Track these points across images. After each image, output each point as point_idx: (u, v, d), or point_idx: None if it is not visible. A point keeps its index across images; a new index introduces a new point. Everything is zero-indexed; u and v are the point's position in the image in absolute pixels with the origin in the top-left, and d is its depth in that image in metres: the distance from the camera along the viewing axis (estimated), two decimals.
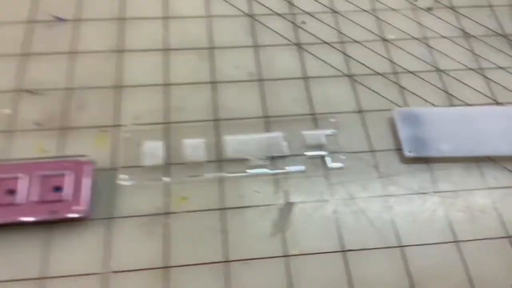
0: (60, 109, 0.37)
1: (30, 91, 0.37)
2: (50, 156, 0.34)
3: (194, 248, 0.31)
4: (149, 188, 0.33)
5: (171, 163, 0.34)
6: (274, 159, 0.35)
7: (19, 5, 0.43)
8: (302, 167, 0.35)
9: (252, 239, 0.32)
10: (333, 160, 0.35)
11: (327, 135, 0.36)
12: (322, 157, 0.35)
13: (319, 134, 0.36)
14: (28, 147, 0.35)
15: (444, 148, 0.36)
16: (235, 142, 0.35)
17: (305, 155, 0.35)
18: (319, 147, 0.36)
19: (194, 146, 0.35)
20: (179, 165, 0.34)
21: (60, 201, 0.32)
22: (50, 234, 0.31)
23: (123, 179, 0.34)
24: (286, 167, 0.35)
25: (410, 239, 0.32)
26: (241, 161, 0.35)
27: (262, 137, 0.36)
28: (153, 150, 0.35)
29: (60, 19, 0.42)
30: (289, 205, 0.33)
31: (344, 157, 0.35)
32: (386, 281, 0.31)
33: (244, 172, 0.34)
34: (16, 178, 0.32)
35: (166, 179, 0.34)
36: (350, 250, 0.32)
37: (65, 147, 0.35)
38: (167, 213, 0.32)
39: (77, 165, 0.33)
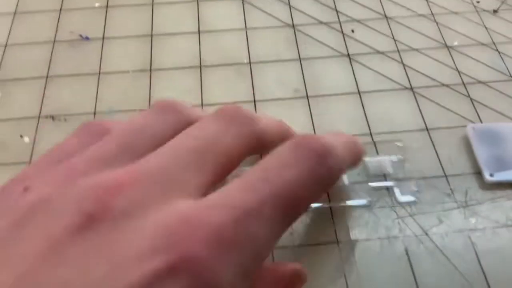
0: None
1: (52, 117, 0.34)
2: None
3: None
4: None
5: None
6: (331, 191, 0.30)
7: (44, 24, 0.39)
8: (364, 201, 0.29)
9: (309, 286, 0.27)
10: (403, 192, 0.30)
11: (393, 162, 0.30)
12: (388, 188, 0.30)
13: (384, 160, 0.30)
14: None
15: None
16: None
17: (368, 185, 0.30)
18: (384, 176, 0.30)
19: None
20: None
21: None
22: None
23: None
24: (347, 201, 0.29)
25: (501, 282, 0.26)
26: None
27: None
28: None
29: (86, 38, 0.39)
30: (350, 243, 0.28)
31: (416, 189, 0.30)
32: None
33: None
34: None
35: None
36: None
37: None
38: None
39: None
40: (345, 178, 0.29)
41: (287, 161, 0.18)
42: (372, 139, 0.32)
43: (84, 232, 0.15)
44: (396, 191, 0.30)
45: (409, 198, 0.29)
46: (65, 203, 0.16)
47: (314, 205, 0.29)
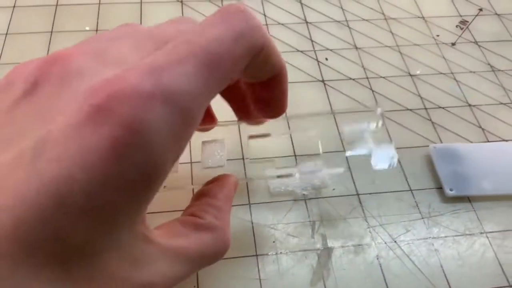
0: None
1: None
2: None
3: None
4: None
5: None
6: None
7: (35, 45, 0.41)
8: (341, 169, 0.34)
9: None
10: (379, 160, 0.31)
11: (372, 131, 0.31)
12: (360, 200, 0.33)
13: (362, 128, 0.32)
14: None
15: (487, 186, 0.34)
16: (277, 181, 0.34)
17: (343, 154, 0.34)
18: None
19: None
20: None
21: None
22: None
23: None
24: (325, 169, 0.32)
25: (462, 285, 0.30)
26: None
27: (302, 168, 0.34)
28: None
29: None
30: (327, 250, 0.31)
31: (392, 156, 0.31)
32: None
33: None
34: None
35: None
36: None
37: None
38: None
39: None
40: (320, 147, 0.32)
41: (211, 22, 0.18)
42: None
43: (29, 97, 0.17)
44: (372, 160, 0.31)
45: (384, 165, 0.31)
46: (20, 76, 0.18)
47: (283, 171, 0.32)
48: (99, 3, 0.45)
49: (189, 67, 0.16)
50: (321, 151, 0.32)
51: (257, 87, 0.23)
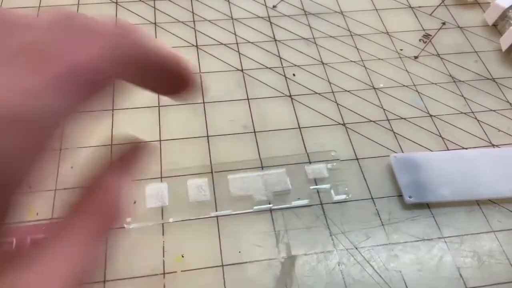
0: (50, 170, 0.36)
1: None
2: (42, 218, 0.33)
3: None
4: (146, 246, 0.32)
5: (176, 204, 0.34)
6: (277, 196, 0.35)
7: None
8: (306, 201, 0.35)
9: None
10: (336, 193, 0.35)
11: (328, 169, 0.36)
12: (325, 191, 0.36)
13: (321, 167, 0.36)
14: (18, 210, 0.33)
15: (445, 192, 0.35)
16: (239, 181, 0.35)
17: (308, 189, 0.35)
18: (322, 181, 0.36)
19: (198, 185, 0.34)
20: (184, 205, 0.34)
21: None
22: None
23: (128, 222, 0.32)
24: (292, 202, 0.34)
25: None
26: (246, 199, 0.35)
27: (266, 174, 0.36)
28: (156, 192, 0.34)
29: None
30: (291, 259, 0.32)
31: (347, 188, 0.35)
32: None
33: (250, 209, 0.34)
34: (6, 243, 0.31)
35: (171, 219, 0.34)
36: None
37: (56, 209, 0.34)
38: (163, 274, 0.31)
39: None
40: (289, 183, 0.35)
41: (69, 32, 0.16)
42: (307, 153, 0.37)
43: None
44: (332, 192, 0.35)
45: (342, 197, 0.35)
46: None
47: (258, 206, 0.34)
48: None
49: (42, 82, 0.15)
50: (290, 186, 0.35)
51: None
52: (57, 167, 0.35)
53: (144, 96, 0.41)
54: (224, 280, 0.31)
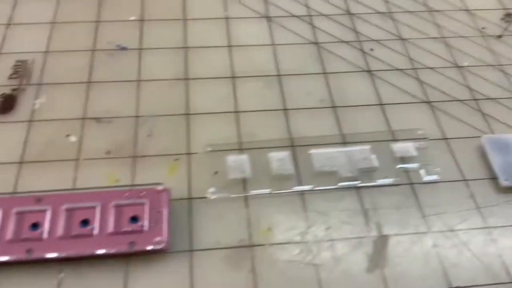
0: (129, 137, 0.35)
1: (97, 119, 0.36)
2: (123, 184, 0.32)
3: (283, 284, 0.28)
4: (230, 217, 0.31)
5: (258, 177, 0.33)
6: (363, 173, 0.33)
7: (81, 34, 0.42)
8: (394, 180, 0.33)
9: (347, 275, 0.29)
10: (427, 173, 0.33)
11: (416, 148, 0.34)
12: (414, 171, 0.34)
13: (408, 146, 0.34)
14: (98, 176, 0.33)
15: None
16: (322, 156, 0.33)
17: (395, 167, 0.33)
18: (409, 160, 0.34)
19: (280, 159, 0.33)
20: (266, 178, 0.33)
21: (138, 232, 0.29)
22: (129, 268, 0.28)
23: (212, 192, 0.31)
24: (377, 180, 0.32)
25: None
26: (330, 175, 0.33)
27: (350, 150, 0.34)
28: (238, 163, 0.33)
29: (123, 48, 0.41)
30: (383, 238, 0.30)
31: (438, 169, 0.33)
32: None
33: (335, 185, 0.33)
34: (90, 208, 0.30)
35: (254, 191, 0.32)
36: (459, 287, 0.28)
37: (136, 176, 0.33)
38: (251, 246, 0.30)
39: (153, 194, 0.31)
40: (375, 160, 0.33)
41: None
42: (391, 130, 0.36)
43: None
44: (421, 172, 0.33)
45: (433, 177, 0.33)
46: None
47: (344, 183, 0.32)
48: None
49: None
50: (376, 163, 0.34)
51: None
52: (135, 136, 0.34)
53: (218, 67, 0.39)
54: (314, 255, 0.29)
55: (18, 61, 0.39)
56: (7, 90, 0.37)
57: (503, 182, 0.33)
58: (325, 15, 0.45)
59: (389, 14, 0.45)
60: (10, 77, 0.38)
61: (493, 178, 0.34)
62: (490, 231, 0.31)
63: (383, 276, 0.29)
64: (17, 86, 0.38)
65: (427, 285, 0.29)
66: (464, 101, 0.39)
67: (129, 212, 0.30)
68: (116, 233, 0.29)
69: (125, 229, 0.29)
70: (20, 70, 0.39)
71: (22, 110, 0.36)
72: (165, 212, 0.30)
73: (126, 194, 0.31)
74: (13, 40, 0.41)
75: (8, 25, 0.42)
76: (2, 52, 0.40)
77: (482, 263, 0.30)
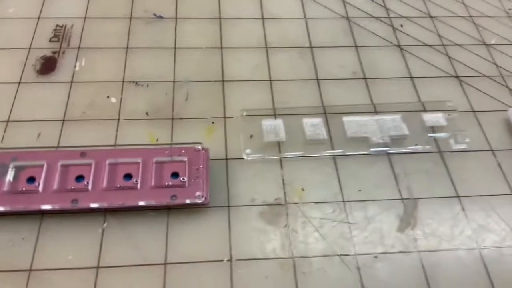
0: (166, 100, 0.36)
1: (135, 82, 0.37)
2: (163, 143, 0.33)
3: (317, 239, 0.30)
4: (265, 177, 0.32)
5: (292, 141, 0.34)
6: (394, 140, 0.34)
7: (119, 2, 0.43)
8: (424, 147, 0.34)
9: (378, 233, 0.30)
10: (456, 142, 0.34)
11: (446, 118, 0.35)
12: (444, 140, 0.35)
13: (438, 116, 0.36)
14: (139, 135, 0.34)
15: None
16: (355, 123, 0.35)
17: (426, 135, 0.35)
18: (439, 129, 0.35)
19: (314, 124, 0.34)
20: (300, 142, 0.34)
21: (179, 186, 0.30)
22: (170, 220, 0.30)
23: (248, 154, 0.33)
24: (409, 147, 0.34)
25: None
26: (362, 141, 0.34)
27: (381, 118, 0.35)
28: (273, 127, 0.34)
29: (159, 17, 0.42)
30: (413, 201, 0.32)
31: (468, 140, 0.34)
32: None
33: (367, 150, 0.34)
34: (133, 164, 0.31)
35: (287, 154, 0.33)
36: (486, 248, 0.30)
37: (175, 137, 0.34)
38: (285, 204, 0.31)
39: (193, 152, 0.32)
40: (405, 128, 0.34)
41: None
42: (421, 102, 0.37)
43: None
44: (451, 141, 0.35)
45: (461, 146, 0.34)
46: None
47: (375, 149, 0.33)
48: None
49: None
50: (406, 131, 0.35)
51: None
52: (172, 99, 0.36)
53: (252, 37, 0.40)
54: (347, 214, 0.31)
55: (58, 25, 0.41)
56: (48, 53, 0.39)
57: None
58: None
59: None
60: (50, 40, 0.39)
61: None
62: None
63: (413, 235, 0.30)
64: (58, 49, 0.39)
65: (456, 244, 0.30)
66: (491, 77, 0.40)
67: (170, 169, 0.31)
68: (158, 186, 0.30)
69: (167, 183, 0.30)
70: (60, 34, 0.40)
71: (63, 71, 0.37)
72: (204, 169, 0.31)
73: (167, 151, 0.32)
74: (52, 5, 0.42)
75: None
76: (42, 17, 0.41)
77: (508, 226, 0.31)
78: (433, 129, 0.35)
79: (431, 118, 0.36)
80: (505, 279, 0.28)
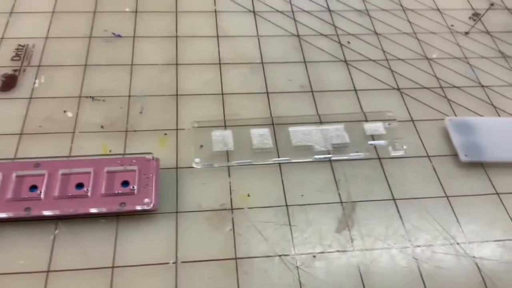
0: (121, 114, 0.38)
1: (92, 98, 0.39)
2: (115, 153, 0.35)
3: (260, 241, 0.31)
4: (213, 185, 0.34)
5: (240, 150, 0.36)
6: (336, 148, 0.36)
7: (80, 23, 0.45)
8: (362, 155, 0.36)
9: (318, 235, 0.32)
10: (394, 149, 0.37)
11: (385, 127, 0.38)
12: (383, 147, 0.37)
13: (378, 125, 0.38)
14: (93, 147, 0.35)
15: (499, 154, 0.36)
16: (300, 133, 0.37)
17: (366, 143, 0.37)
18: (379, 138, 0.37)
19: (261, 134, 0.36)
20: (248, 151, 0.36)
21: (128, 194, 0.32)
22: (119, 226, 0.31)
23: (197, 162, 0.34)
24: (349, 154, 0.36)
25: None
26: (306, 149, 0.36)
27: (325, 128, 0.37)
28: (222, 138, 0.36)
29: (118, 36, 0.44)
30: (352, 204, 0.33)
31: (406, 147, 0.36)
32: None
33: (311, 158, 0.36)
34: (85, 173, 0.33)
35: (235, 162, 0.35)
36: (418, 246, 0.32)
37: (128, 148, 0.36)
38: (231, 209, 0.33)
39: (143, 162, 0.34)
40: (347, 137, 0.37)
41: None
42: (363, 112, 0.39)
43: None
44: (389, 148, 0.37)
45: (399, 152, 0.37)
46: None
47: (318, 156, 0.35)
48: None
49: None
50: (348, 139, 0.37)
51: None
52: (127, 113, 0.37)
53: (206, 54, 0.43)
54: (289, 217, 0.32)
55: (19, 45, 0.42)
56: (9, 71, 0.40)
57: (463, 157, 0.36)
58: (307, 11, 0.49)
59: (365, 11, 0.49)
60: (12, 59, 0.41)
61: (454, 155, 0.37)
62: (449, 200, 0.34)
63: (350, 235, 0.32)
64: (18, 68, 0.41)
65: (390, 243, 0.32)
66: (431, 88, 0.42)
67: (121, 177, 0.33)
68: (108, 194, 0.32)
69: (117, 191, 0.32)
70: (21, 53, 0.42)
71: (23, 88, 0.39)
72: (153, 177, 0.33)
73: (118, 161, 0.34)
74: (15, 26, 0.44)
75: (11, 13, 0.45)
76: (5, 37, 0.43)
77: (440, 225, 0.33)
78: (373, 137, 0.37)
79: (371, 127, 0.38)
80: (435, 276, 0.30)
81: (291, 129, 0.37)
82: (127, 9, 0.47)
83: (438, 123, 0.39)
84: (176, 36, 0.45)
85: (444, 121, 0.39)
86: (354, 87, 0.42)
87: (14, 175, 0.32)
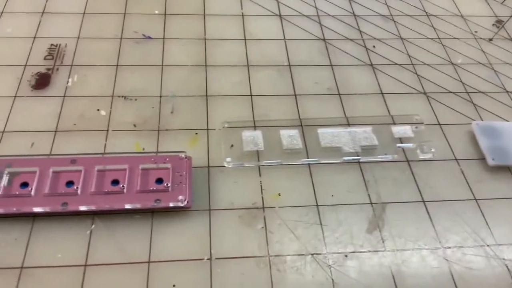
0: (153, 113, 0.39)
1: (124, 97, 0.39)
2: (149, 151, 0.36)
3: (291, 239, 0.32)
4: (244, 184, 0.34)
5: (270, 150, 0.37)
6: (365, 150, 0.37)
7: (110, 24, 0.46)
8: (390, 157, 0.37)
9: (348, 235, 0.32)
10: (422, 152, 0.37)
11: (413, 130, 0.38)
12: (411, 150, 0.38)
13: (406, 128, 0.39)
14: (126, 145, 0.36)
15: None
16: (328, 135, 0.37)
17: (394, 145, 0.37)
18: (407, 140, 0.38)
19: (290, 135, 0.37)
20: (278, 152, 0.36)
21: (163, 191, 0.32)
22: (154, 222, 0.32)
23: (228, 162, 0.35)
24: (378, 156, 0.36)
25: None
26: (335, 151, 0.37)
27: (353, 130, 0.38)
28: (252, 138, 0.37)
29: (148, 37, 0.45)
30: (382, 205, 0.34)
31: (434, 150, 0.37)
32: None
33: (339, 159, 0.36)
34: (120, 170, 0.33)
35: (265, 162, 0.36)
36: (449, 248, 0.32)
37: (160, 146, 0.36)
38: (263, 208, 0.33)
39: (176, 160, 0.34)
40: (375, 139, 0.37)
41: None
42: (391, 115, 0.40)
43: None
44: (418, 151, 0.37)
45: (427, 155, 0.37)
46: None
47: (347, 157, 0.36)
48: None
49: None
50: (376, 141, 0.38)
51: None
52: (159, 112, 0.38)
53: (234, 57, 0.43)
54: (320, 217, 0.33)
55: (52, 44, 0.43)
56: (42, 70, 0.41)
57: (491, 161, 0.37)
58: (332, 16, 0.49)
59: (389, 16, 0.50)
60: (45, 58, 0.42)
61: (481, 158, 0.37)
62: (478, 202, 0.35)
63: (381, 236, 0.32)
64: (51, 66, 0.41)
65: (421, 244, 0.32)
66: (456, 93, 0.43)
67: (155, 175, 0.33)
68: (143, 191, 0.32)
69: (152, 188, 0.33)
70: (54, 53, 0.43)
71: (56, 87, 0.40)
72: (187, 175, 0.33)
73: (152, 159, 0.34)
74: (47, 26, 0.45)
75: (43, 13, 0.46)
76: (38, 36, 0.44)
77: (469, 227, 0.33)
78: (401, 140, 0.38)
79: (399, 130, 0.38)
80: (466, 277, 0.31)
81: (320, 130, 0.38)
82: (156, 12, 0.48)
83: (465, 127, 0.40)
84: (205, 39, 0.45)
85: (471, 125, 0.39)
86: (381, 90, 0.42)
87: (51, 170, 0.33)
